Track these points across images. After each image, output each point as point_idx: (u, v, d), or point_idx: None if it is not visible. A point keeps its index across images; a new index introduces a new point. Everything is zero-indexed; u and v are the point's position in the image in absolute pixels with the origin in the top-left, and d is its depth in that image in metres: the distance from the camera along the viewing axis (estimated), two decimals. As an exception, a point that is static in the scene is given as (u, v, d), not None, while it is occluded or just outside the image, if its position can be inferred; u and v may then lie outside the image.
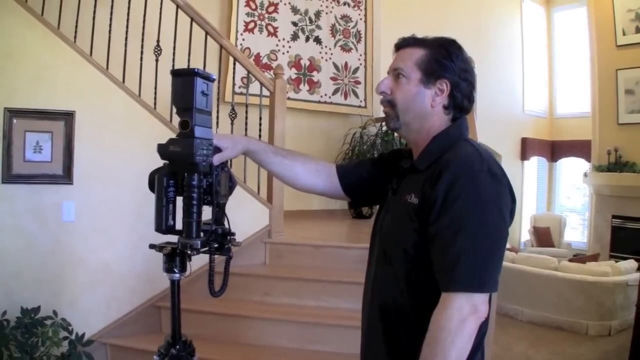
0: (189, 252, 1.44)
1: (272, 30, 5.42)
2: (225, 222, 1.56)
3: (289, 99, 4.24)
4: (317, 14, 5.81)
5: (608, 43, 7.61)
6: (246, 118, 4.11)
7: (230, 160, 1.69)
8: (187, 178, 1.40)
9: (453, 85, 1.37)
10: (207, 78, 1.41)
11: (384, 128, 6.18)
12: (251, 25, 5.16)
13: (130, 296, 3.52)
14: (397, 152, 1.64)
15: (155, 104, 3.68)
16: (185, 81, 1.37)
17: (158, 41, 3.75)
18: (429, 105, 1.38)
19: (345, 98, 6.18)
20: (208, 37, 3.88)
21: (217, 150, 1.46)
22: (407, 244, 1.32)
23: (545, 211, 9.52)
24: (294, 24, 5.60)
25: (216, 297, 1.60)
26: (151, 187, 1.51)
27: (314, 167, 1.66)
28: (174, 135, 3.54)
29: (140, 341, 3.40)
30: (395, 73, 1.41)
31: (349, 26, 6.13)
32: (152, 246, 1.62)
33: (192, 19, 3.81)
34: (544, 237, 8.66)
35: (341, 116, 6.24)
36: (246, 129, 4.12)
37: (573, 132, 8.98)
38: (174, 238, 1.54)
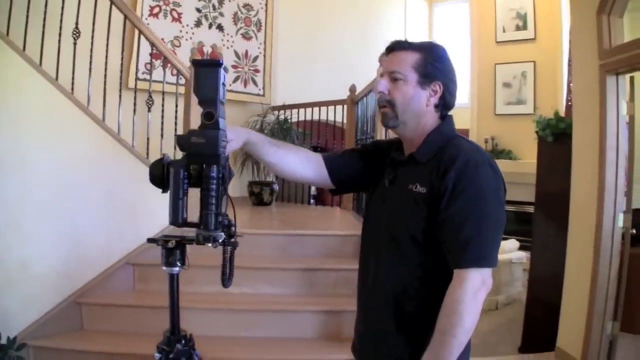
0: (211, 244, 1.42)
1: (176, 15, 5.28)
2: (230, 213, 1.52)
3: (182, 84, 4.14)
4: (221, 1, 5.74)
5: (488, 39, 8.16)
6: (162, 105, 4.00)
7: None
8: (207, 169, 1.38)
9: (445, 87, 1.52)
10: (225, 68, 1.41)
11: (281, 117, 6.27)
12: (156, 10, 5.00)
13: (50, 294, 3.32)
14: (379, 144, 1.79)
15: (72, 89, 3.47)
16: (210, 72, 1.36)
17: (77, 24, 3.54)
18: (424, 105, 1.51)
19: (245, 86, 6.17)
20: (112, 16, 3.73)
21: None
22: (416, 229, 1.44)
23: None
24: (198, 10, 5.49)
25: (226, 288, 1.57)
26: (155, 180, 1.48)
27: (305, 157, 1.72)
28: (92, 123, 3.43)
29: (64, 340, 3.23)
30: (393, 75, 1.51)
31: (250, 15, 6.12)
32: (151, 240, 1.58)
33: (112, 3, 3.64)
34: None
35: (240, 104, 6.22)
36: (162, 119, 4.01)
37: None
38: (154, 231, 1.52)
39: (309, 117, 6.18)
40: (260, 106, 6.38)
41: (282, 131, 6.06)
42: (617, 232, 3.69)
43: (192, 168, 1.42)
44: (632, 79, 3.71)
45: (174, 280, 1.61)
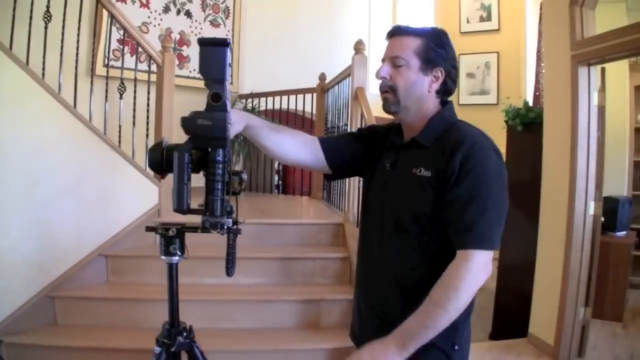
0: (219, 231, 1.37)
1: (144, 1, 5.14)
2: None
3: (154, 72, 4.06)
4: (189, -13, 5.62)
5: (453, 29, 8.19)
6: (134, 92, 3.89)
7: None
8: (213, 153, 1.34)
9: (446, 73, 1.51)
10: (231, 48, 1.37)
11: (249, 105, 6.20)
12: (124, -6, 4.88)
13: (23, 287, 3.19)
14: (375, 128, 1.77)
15: (43, 74, 3.34)
16: (217, 52, 1.31)
17: (48, 7, 3.41)
18: (426, 91, 1.51)
19: (213, 74, 6.05)
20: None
21: None
22: (421, 212, 1.44)
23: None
24: (167, -5, 5.38)
25: (230, 277, 1.52)
26: (154, 165, 1.42)
27: (302, 141, 1.70)
28: (63, 110, 3.31)
29: (37, 336, 3.11)
30: (395, 61, 1.50)
31: (218, 1, 6.01)
32: (150, 229, 1.53)
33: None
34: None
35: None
36: (134, 106, 3.90)
37: (415, 112, 9.60)
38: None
39: (277, 106, 6.12)
40: (231, 94, 6.28)
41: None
42: (588, 220, 3.77)
43: (193, 152, 1.36)
44: (603, 70, 3.78)
45: (173, 270, 1.57)
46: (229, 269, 1.53)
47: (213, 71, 1.32)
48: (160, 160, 1.40)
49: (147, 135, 3.95)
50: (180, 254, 1.52)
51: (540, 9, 5.42)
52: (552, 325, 3.86)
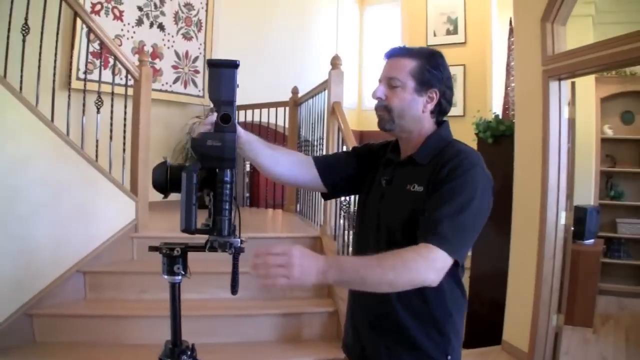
0: (227, 250, 1.38)
1: (117, 13, 5.10)
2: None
3: (125, 85, 4.04)
4: (162, 1, 5.59)
5: (419, 42, 8.28)
6: (112, 106, 3.86)
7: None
8: (221, 174, 1.35)
9: (441, 94, 1.55)
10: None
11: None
12: (98, 7, 4.81)
13: (0, 306, 3.11)
14: (371, 146, 1.78)
15: (21, 87, 3.29)
16: (227, 73, 1.34)
17: (26, 19, 3.37)
18: (420, 111, 1.55)
19: (185, 87, 6.05)
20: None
21: None
22: (413, 225, 1.44)
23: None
24: (140, 8, 5.32)
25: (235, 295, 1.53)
26: (158, 186, 1.43)
27: (297, 160, 1.74)
28: (40, 124, 3.28)
29: (16, 355, 3.03)
30: (391, 82, 1.54)
31: (191, 14, 6.00)
32: (153, 248, 1.52)
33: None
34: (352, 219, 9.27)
35: (180, 105, 6.10)
36: (111, 120, 3.87)
37: (379, 124, 9.70)
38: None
39: (249, 119, 6.12)
40: (199, 107, 6.28)
41: (223, 133, 5.99)
42: (559, 229, 3.88)
43: (202, 172, 1.38)
44: (573, 84, 3.91)
45: (175, 289, 1.56)
46: (234, 287, 1.54)
47: (223, 92, 1.34)
48: (165, 180, 1.41)
49: (124, 150, 3.92)
50: (183, 273, 1.51)
51: (510, 24, 5.59)
52: (525, 332, 3.95)
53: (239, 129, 1.55)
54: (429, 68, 1.53)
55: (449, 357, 1.50)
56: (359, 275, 1.29)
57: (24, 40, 3.35)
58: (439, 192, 1.41)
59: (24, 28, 3.36)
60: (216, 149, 1.33)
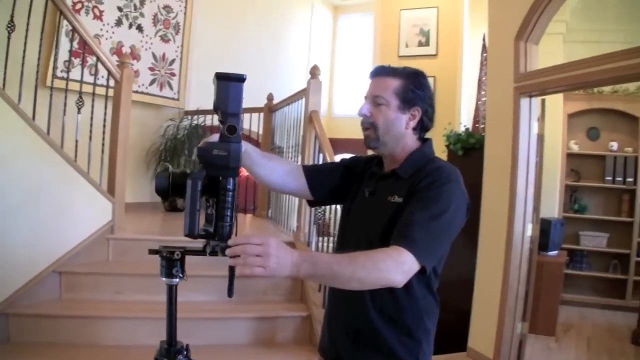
0: (227, 254, 1.44)
1: (97, 13, 5.10)
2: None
3: (106, 86, 4.10)
4: (142, 1, 5.60)
5: (391, 52, 8.43)
6: (92, 107, 3.88)
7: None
8: (224, 181, 1.40)
9: (423, 112, 1.64)
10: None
11: (195, 122, 6.23)
12: (78, 6, 4.80)
13: None
14: (358, 159, 1.86)
15: (4, 85, 3.29)
16: (234, 87, 1.38)
17: (12, 17, 3.37)
18: (403, 128, 1.64)
19: (161, 89, 6.07)
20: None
21: None
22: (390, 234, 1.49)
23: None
24: (119, 9, 5.33)
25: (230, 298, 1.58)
26: (160, 192, 1.49)
27: (288, 168, 1.81)
28: (23, 123, 3.30)
29: None
30: (376, 100, 1.63)
31: (169, 17, 6.02)
32: (153, 251, 1.57)
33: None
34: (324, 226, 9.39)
35: (155, 107, 6.11)
36: (91, 121, 3.88)
37: (349, 131, 9.78)
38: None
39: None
40: (173, 110, 6.31)
41: (197, 137, 6.03)
42: (526, 241, 4.02)
43: (208, 181, 1.43)
44: (543, 101, 4.07)
45: (172, 291, 1.61)
46: (231, 290, 1.59)
47: (230, 105, 1.39)
48: (167, 186, 1.47)
49: (103, 151, 3.94)
50: (181, 276, 1.57)
51: (483, 40, 5.75)
52: (491, 339, 4.07)
53: (245, 143, 1.60)
54: (412, 87, 1.62)
55: None
56: (331, 271, 1.33)
57: (9, 38, 3.34)
58: (415, 200, 1.49)
59: (9, 25, 3.36)
60: (222, 158, 1.38)
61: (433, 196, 1.48)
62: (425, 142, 1.70)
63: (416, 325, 1.59)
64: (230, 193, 1.41)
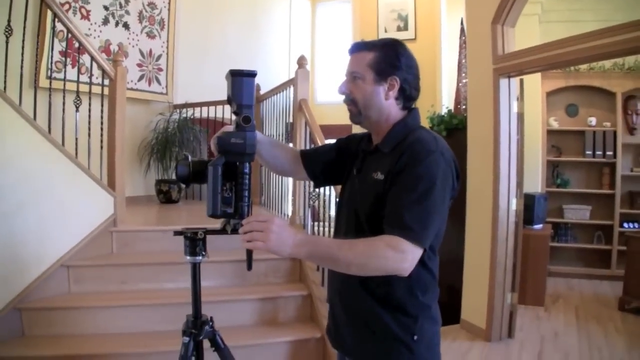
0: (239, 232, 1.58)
1: (85, 13, 5.18)
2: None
3: (96, 84, 4.18)
4: (127, 0, 5.70)
5: (370, 38, 8.51)
6: (89, 105, 4.00)
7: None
8: (241, 166, 1.56)
9: (402, 80, 1.61)
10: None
11: (183, 115, 6.35)
12: (66, 7, 4.87)
13: None
14: (352, 138, 1.89)
15: (5, 87, 3.40)
16: (248, 82, 1.55)
17: (9, 21, 3.47)
18: (383, 99, 1.62)
19: (150, 84, 6.17)
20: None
21: None
22: (376, 214, 1.54)
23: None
24: (106, 8, 5.40)
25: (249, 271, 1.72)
26: (181, 179, 1.64)
27: (292, 154, 1.91)
28: (24, 123, 3.43)
29: (6, 349, 3.11)
30: (352, 76, 1.64)
31: (154, 13, 6.10)
32: (177, 233, 1.72)
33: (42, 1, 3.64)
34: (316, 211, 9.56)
35: (145, 102, 6.22)
36: (89, 119, 4.00)
37: (333, 118, 9.89)
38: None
39: (212, 115, 6.28)
40: (162, 104, 6.42)
41: (187, 130, 6.16)
42: (511, 215, 4.22)
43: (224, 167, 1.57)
44: (521, 81, 4.24)
45: (196, 268, 1.77)
46: (249, 264, 1.72)
47: (245, 98, 1.55)
48: (188, 174, 1.62)
49: (102, 147, 4.06)
50: (204, 254, 1.72)
51: (461, 24, 5.92)
52: (482, 310, 4.28)
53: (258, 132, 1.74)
54: (386, 57, 1.60)
55: (415, 337, 1.57)
56: (331, 255, 1.41)
57: (7, 42, 3.45)
58: (399, 183, 1.48)
59: (7, 29, 3.47)
60: (239, 145, 1.54)
61: (417, 175, 1.47)
62: (410, 112, 1.68)
63: (409, 301, 1.57)
64: (247, 176, 1.57)
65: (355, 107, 1.64)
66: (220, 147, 1.55)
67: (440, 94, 7.61)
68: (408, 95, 1.64)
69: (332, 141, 1.97)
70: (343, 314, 1.70)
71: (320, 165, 1.89)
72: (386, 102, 1.62)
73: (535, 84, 6.25)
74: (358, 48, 1.65)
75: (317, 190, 4.20)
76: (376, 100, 1.61)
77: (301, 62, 4.47)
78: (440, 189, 1.47)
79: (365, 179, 1.63)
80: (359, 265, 1.41)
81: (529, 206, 5.36)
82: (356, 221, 1.64)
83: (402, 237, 1.40)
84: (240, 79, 1.55)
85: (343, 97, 1.67)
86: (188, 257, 1.72)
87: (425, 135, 1.57)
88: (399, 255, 1.40)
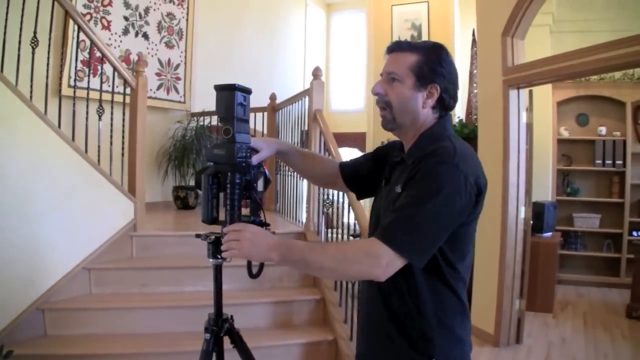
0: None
1: (105, 23, 5.35)
2: (261, 214, 1.75)
3: (118, 93, 4.35)
4: (146, 10, 5.85)
5: (384, 47, 8.58)
6: (111, 113, 4.15)
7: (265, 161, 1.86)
8: (232, 176, 1.63)
9: (442, 89, 1.50)
10: (246, 91, 1.67)
11: (201, 123, 6.49)
12: (87, 17, 5.05)
13: (15, 302, 3.31)
14: (391, 146, 1.79)
15: (31, 96, 3.55)
16: (227, 95, 1.63)
17: (35, 32, 3.63)
18: (420, 107, 1.51)
19: (168, 93, 6.32)
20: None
21: (255, 151, 1.70)
22: None
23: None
24: (126, 18, 5.57)
25: (253, 279, 1.81)
26: (197, 185, 1.77)
27: (328, 165, 1.94)
28: (49, 131, 3.56)
29: (29, 349, 3.21)
30: (390, 76, 1.53)
31: (173, 23, 6.27)
32: (198, 235, 1.83)
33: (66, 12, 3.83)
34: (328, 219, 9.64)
35: (163, 110, 6.37)
36: (111, 126, 4.15)
37: (348, 126, 10.00)
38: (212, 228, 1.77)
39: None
40: (180, 112, 6.57)
41: (204, 137, 6.29)
42: (520, 223, 4.32)
43: (220, 176, 1.67)
44: (530, 92, 4.35)
45: (218, 270, 1.89)
46: (250, 271, 1.81)
47: (223, 110, 1.64)
48: (198, 180, 1.75)
49: (123, 154, 4.20)
50: (221, 257, 1.82)
51: (473, 35, 6.02)
52: (491, 316, 4.37)
53: (271, 140, 1.83)
54: (430, 63, 1.49)
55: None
56: (303, 258, 1.40)
57: (33, 53, 3.61)
58: (403, 195, 1.40)
59: (33, 41, 3.61)
60: (221, 156, 1.63)
61: (419, 181, 1.39)
62: (439, 119, 1.56)
63: (427, 325, 1.47)
64: (236, 186, 1.63)
65: (390, 111, 1.54)
66: (207, 159, 1.66)
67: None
68: (446, 106, 1.55)
69: (348, 150, 2.02)
70: (365, 330, 1.67)
71: (358, 178, 1.86)
72: (423, 110, 1.52)
73: (546, 94, 6.34)
74: (400, 47, 1.55)
75: (330, 197, 4.32)
76: (413, 106, 1.52)
77: (316, 73, 4.59)
78: (443, 201, 1.35)
79: (390, 191, 1.55)
80: (330, 268, 1.40)
81: (539, 214, 5.44)
82: None
83: (378, 239, 1.34)
84: (220, 93, 1.65)
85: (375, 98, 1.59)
86: (211, 260, 1.83)
87: (445, 146, 1.43)
88: (370, 260, 1.33)
